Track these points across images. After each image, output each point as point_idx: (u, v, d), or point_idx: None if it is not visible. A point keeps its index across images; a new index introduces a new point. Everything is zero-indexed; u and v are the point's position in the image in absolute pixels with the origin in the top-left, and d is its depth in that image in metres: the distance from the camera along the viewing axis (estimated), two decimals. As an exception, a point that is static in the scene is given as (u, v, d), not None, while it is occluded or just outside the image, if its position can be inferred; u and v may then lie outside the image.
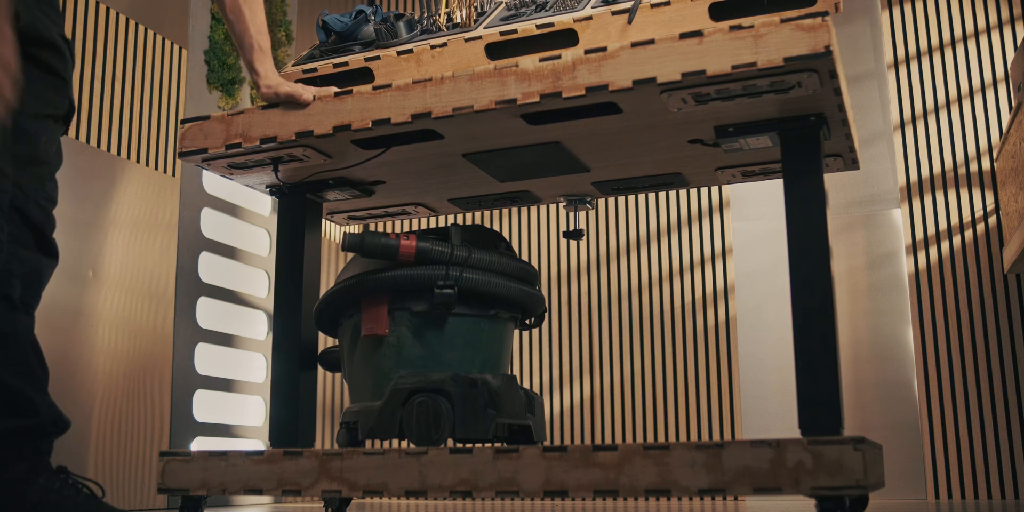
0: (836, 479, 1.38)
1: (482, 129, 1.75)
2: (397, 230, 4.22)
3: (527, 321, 2.07)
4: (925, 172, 3.63)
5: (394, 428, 1.80)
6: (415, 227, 4.13)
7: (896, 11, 3.78)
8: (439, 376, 1.80)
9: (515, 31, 1.81)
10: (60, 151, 1.82)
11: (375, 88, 1.74)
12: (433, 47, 1.87)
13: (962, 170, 3.58)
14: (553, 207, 4.07)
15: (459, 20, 1.92)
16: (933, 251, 3.56)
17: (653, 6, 1.71)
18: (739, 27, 1.51)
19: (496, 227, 4.13)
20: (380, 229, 4.27)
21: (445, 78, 1.69)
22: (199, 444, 3.12)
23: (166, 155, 3.12)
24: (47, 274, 1.75)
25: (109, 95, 2.93)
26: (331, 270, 4.04)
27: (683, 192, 3.91)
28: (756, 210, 3.85)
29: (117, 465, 2.78)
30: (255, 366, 3.47)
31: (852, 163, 1.97)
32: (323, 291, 2.98)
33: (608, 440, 3.77)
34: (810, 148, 1.67)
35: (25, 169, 1.68)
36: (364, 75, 1.93)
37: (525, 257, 4.06)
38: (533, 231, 4.10)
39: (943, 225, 3.57)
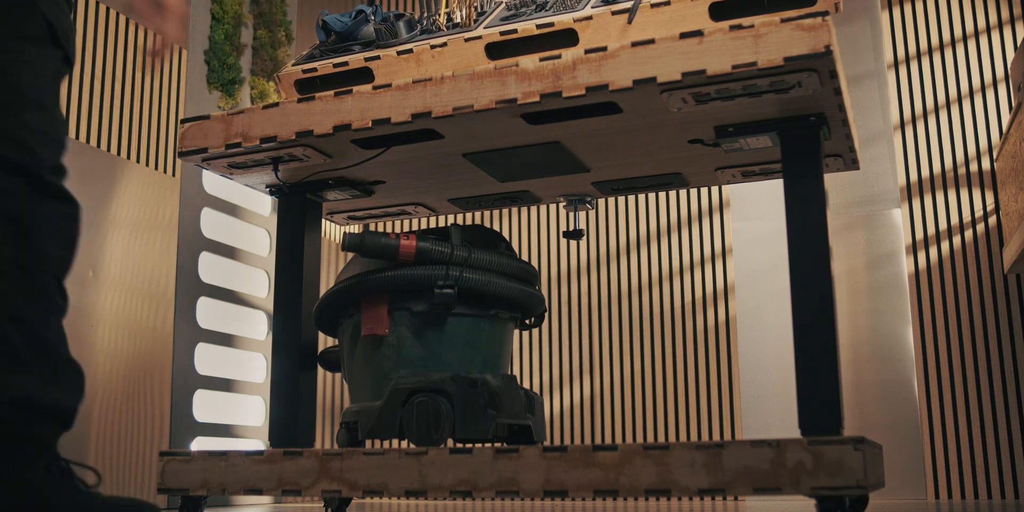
0: (836, 479, 1.38)
1: (482, 129, 1.75)
2: (397, 230, 4.22)
3: (527, 321, 2.07)
4: (925, 172, 3.63)
5: (394, 428, 1.80)
6: (415, 227, 4.13)
7: (896, 11, 3.78)
8: (439, 376, 1.80)
9: (515, 31, 1.81)
10: (53, 77, 1.47)
11: (375, 88, 1.74)
12: (433, 47, 1.87)
13: (962, 170, 3.58)
14: (553, 207, 4.07)
15: (459, 20, 1.92)
16: (933, 251, 3.56)
17: (653, 6, 1.71)
18: (739, 27, 1.51)
19: (496, 227, 4.13)
20: (380, 229, 4.27)
21: (445, 78, 1.69)
22: (199, 444, 3.12)
23: (166, 155, 3.12)
24: (49, 222, 1.44)
25: (109, 95, 2.93)
26: (331, 270, 4.04)
27: (683, 192, 3.90)
28: (756, 210, 3.85)
29: (117, 465, 2.78)
30: (255, 366, 3.47)
31: (852, 163, 1.97)
32: (323, 291, 2.97)
33: (608, 440, 3.77)
34: (810, 148, 1.67)
35: None
36: (364, 75, 1.93)
37: (525, 257, 4.06)
38: (533, 231, 4.10)
39: (943, 225, 3.57)
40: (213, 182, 3.33)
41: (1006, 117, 3.55)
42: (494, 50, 1.84)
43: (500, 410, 1.81)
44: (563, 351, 3.91)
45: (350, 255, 3.78)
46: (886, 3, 3.80)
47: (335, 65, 1.95)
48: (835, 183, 3.75)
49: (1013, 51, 3.57)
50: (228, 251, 3.39)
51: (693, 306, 3.79)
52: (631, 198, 3.97)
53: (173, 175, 3.13)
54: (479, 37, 1.84)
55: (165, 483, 1.80)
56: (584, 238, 3.91)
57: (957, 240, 3.54)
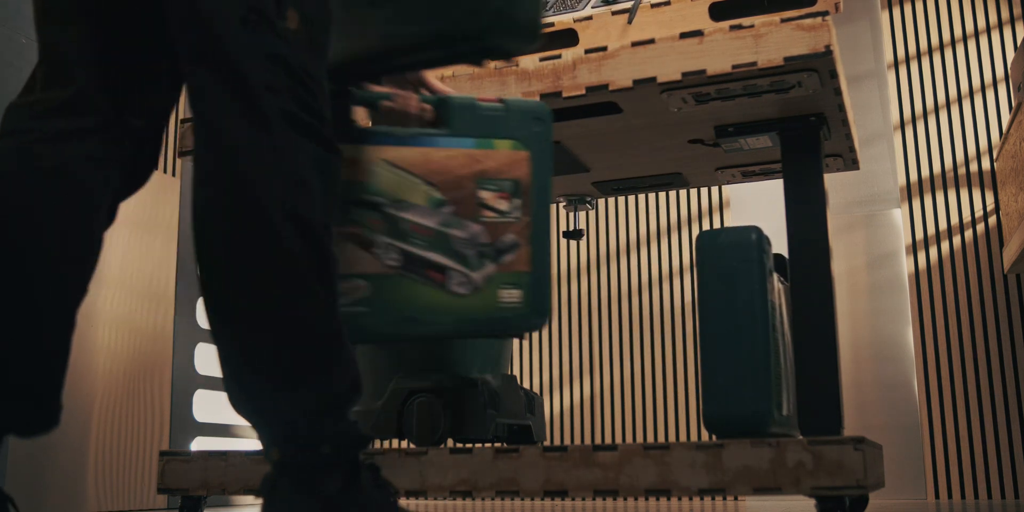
0: (836, 479, 1.38)
1: (482, 129, 1.75)
2: (397, 230, 4.21)
3: (527, 321, 2.07)
4: (925, 172, 3.63)
5: (394, 428, 1.80)
6: (415, 227, 4.12)
7: (896, 11, 3.78)
8: (439, 376, 1.80)
9: (515, 31, 1.81)
10: None
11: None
12: (433, 47, 1.87)
13: (962, 170, 3.58)
14: (553, 207, 4.06)
15: (459, 20, 1.92)
16: (933, 251, 3.56)
17: (653, 6, 1.71)
18: (739, 27, 1.51)
19: (496, 227, 4.12)
20: (380, 229, 4.26)
21: (445, 77, 1.69)
22: (199, 444, 3.12)
23: (166, 155, 3.12)
24: None
25: (109, 95, 2.92)
26: (331, 270, 4.03)
27: (683, 192, 3.90)
28: (756, 210, 3.85)
29: (117, 465, 2.78)
30: (255, 366, 3.47)
31: (852, 163, 1.97)
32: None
33: (608, 440, 3.77)
34: (810, 148, 1.67)
35: None
36: (364, 75, 1.93)
37: (525, 257, 4.05)
38: (533, 231, 4.09)
39: (943, 225, 3.57)
40: (213, 182, 3.32)
41: (1006, 117, 3.55)
42: (494, 50, 1.84)
43: (500, 410, 1.81)
44: (563, 351, 3.91)
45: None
46: (886, 3, 3.80)
47: (335, 65, 1.94)
48: (835, 183, 3.74)
49: (1013, 51, 3.57)
50: (228, 251, 3.39)
51: (693, 306, 3.78)
52: (631, 198, 3.97)
53: (173, 175, 3.13)
54: (479, 37, 1.83)
55: (165, 483, 1.80)
56: (584, 238, 3.91)
57: (957, 240, 3.54)
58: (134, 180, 1.21)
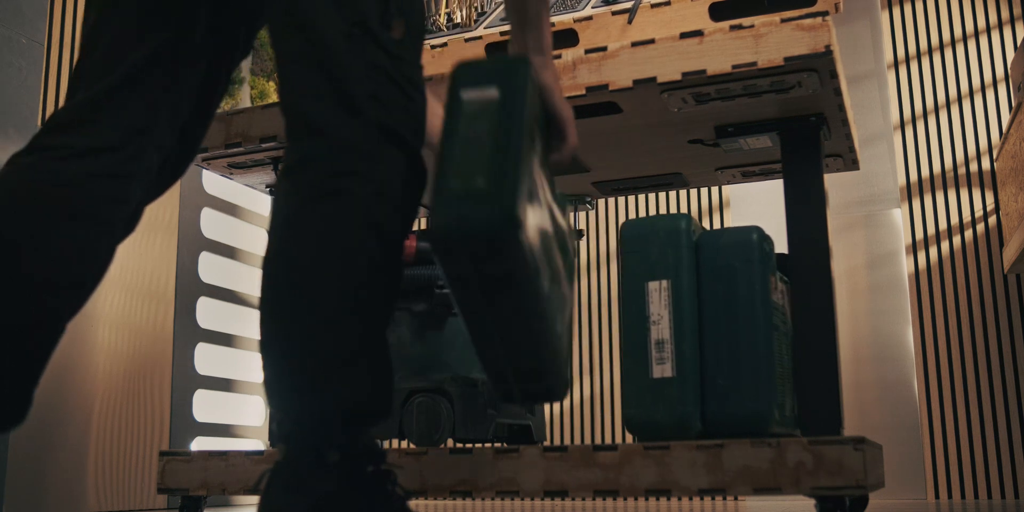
0: (836, 479, 1.38)
1: (482, 129, 1.75)
2: (397, 230, 4.21)
3: (527, 321, 2.07)
4: (925, 172, 3.63)
5: (394, 428, 1.80)
6: (415, 227, 4.12)
7: (896, 11, 3.78)
8: (439, 376, 1.80)
9: (515, 31, 1.81)
10: None
11: (375, 88, 1.73)
12: (433, 47, 1.87)
13: (962, 170, 3.58)
14: (553, 207, 4.05)
15: (459, 20, 1.92)
16: (933, 251, 3.56)
17: (653, 6, 1.71)
18: (739, 27, 1.51)
19: (496, 227, 4.12)
20: (380, 229, 4.25)
21: (446, 78, 1.69)
22: (199, 444, 3.12)
23: (166, 155, 3.11)
24: None
25: (109, 95, 2.92)
26: (331, 270, 4.02)
27: (683, 192, 3.90)
28: (756, 210, 3.85)
29: (117, 465, 2.78)
30: (255, 366, 3.47)
31: (852, 163, 1.97)
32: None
33: (608, 440, 3.77)
34: (810, 148, 1.67)
35: None
36: (364, 75, 1.92)
37: (525, 257, 4.05)
38: (533, 231, 4.09)
39: (943, 225, 3.57)
40: (213, 182, 3.32)
41: (1006, 117, 3.55)
42: (494, 50, 1.84)
43: (500, 410, 1.81)
44: (563, 351, 3.90)
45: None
46: (886, 3, 3.80)
47: (335, 65, 1.94)
48: (835, 183, 3.74)
49: (1013, 51, 3.57)
50: (228, 251, 3.39)
51: (693, 306, 3.78)
52: (631, 198, 3.97)
53: (173, 175, 3.13)
54: (479, 37, 1.84)
55: (165, 483, 1.80)
56: (584, 238, 3.90)
57: (957, 240, 3.54)
58: (156, 188, 1.25)
